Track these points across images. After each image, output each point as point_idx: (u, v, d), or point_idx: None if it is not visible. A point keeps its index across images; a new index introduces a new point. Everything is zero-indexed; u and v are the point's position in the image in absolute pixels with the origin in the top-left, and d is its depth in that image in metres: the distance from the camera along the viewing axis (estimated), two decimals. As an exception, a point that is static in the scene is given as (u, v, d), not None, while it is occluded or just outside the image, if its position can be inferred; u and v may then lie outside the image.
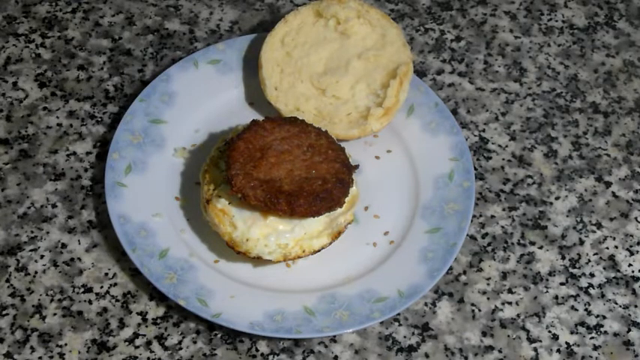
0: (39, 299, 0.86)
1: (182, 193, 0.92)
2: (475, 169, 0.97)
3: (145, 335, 0.84)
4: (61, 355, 0.83)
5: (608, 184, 0.98)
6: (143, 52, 1.04)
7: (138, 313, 0.86)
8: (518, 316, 0.88)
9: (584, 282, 0.90)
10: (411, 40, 1.08)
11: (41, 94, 1.00)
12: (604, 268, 0.92)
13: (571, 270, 0.91)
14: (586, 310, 0.89)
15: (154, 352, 0.83)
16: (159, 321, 0.85)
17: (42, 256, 0.88)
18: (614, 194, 0.97)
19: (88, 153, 0.96)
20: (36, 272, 0.87)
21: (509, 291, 0.89)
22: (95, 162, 0.95)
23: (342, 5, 0.98)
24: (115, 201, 0.89)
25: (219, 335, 0.85)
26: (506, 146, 1.00)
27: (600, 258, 0.92)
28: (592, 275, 0.91)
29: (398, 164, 0.96)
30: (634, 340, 0.87)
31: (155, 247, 0.87)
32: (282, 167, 0.85)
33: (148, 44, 1.05)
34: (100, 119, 0.98)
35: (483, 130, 1.01)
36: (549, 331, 0.87)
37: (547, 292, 0.89)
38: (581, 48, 1.09)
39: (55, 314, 0.85)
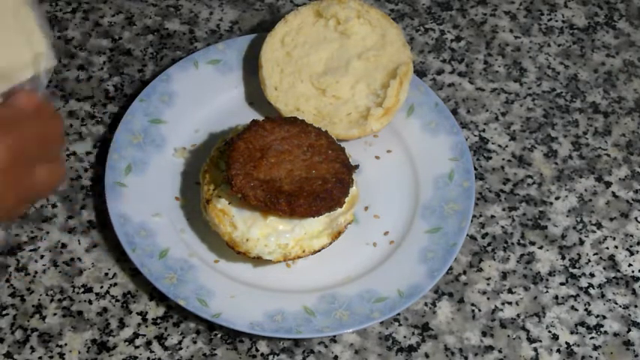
0: (39, 299, 0.86)
1: (182, 193, 0.92)
2: (475, 169, 0.97)
3: (145, 335, 0.84)
4: (61, 355, 0.83)
5: (608, 184, 0.98)
6: (143, 52, 1.04)
7: (138, 313, 0.86)
8: (518, 316, 0.88)
9: (584, 282, 0.90)
10: (411, 40, 1.08)
11: (41, 94, 1.00)
12: (604, 268, 0.92)
13: (571, 270, 0.91)
14: (586, 310, 0.89)
15: (154, 352, 0.83)
16: (159, 321, 0.85)
17: (42, 256, 0.88)
18: (614, 194, 0.97)
19: (88, 153, 0.96)
20: (36, 272, 0.88)
21: (509, 291, 0.89)
22: (95, 162, 0.95)
23: (342, 5, 0.98)
24: (115, 201, 0.89)
25: (219, 335, 0.85)
26: (506, 146, 1.00)
27: (600, 258, 0.92)
28: (592, 275, 0.91)
29: (398, 164, 0.96)
30: (634, 340, 0.87)
31: (155, 247, 0.87)
32: (282, 167, 0.85)
33: (148, 44, 1.05)
34: (100, 119, 0.98)
35: (483, 130, 1.01)
36: (549, 331, 0.87)
37: (547, 292, 0.89)
38: (581, 48, 1.09)
39: (55, 314, 0.85)
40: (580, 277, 0.91)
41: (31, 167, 0.65)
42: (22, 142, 0.64)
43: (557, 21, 1.12)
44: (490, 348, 0.86)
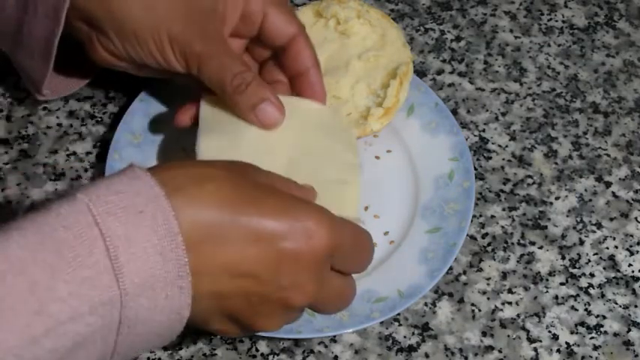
0: (39, 299, 0.86)
1: (182, 193, 0.92)
2: (475, 169, 0.97)
3: (145, 335, 0.84)
4: (61, 355, 0.83)
5: (608, 184, 0.98)
6: (143, 52, 1.04)
7: (138, 313, 0.86)
8: (518, 316, 0.88)
9: (584, 282, 0.90)
10: (411, 40, 1.08)
11: (41, 94, 1.00)
12: (604, 268, 0.92)
13: (571, 270, 0.91)
14: (586, 310, 0.89)
15: (153, 352, 0.83)
16: (159, 321, 0.85)
17: (42, 256, 0.88)
18: (614, 194, 0.97)
19: (88, 153, 0.96)
20: (36, 272, 0.87)
21: (509, 291, 0.89)
22: (95, 162, 0.95)
23: (342, 5, 0.98)
24: (115, 201, 0.88)
25: (219, 335, 0.85)
26: (506, 146, 1.00)
27: (600, 258, 0.92)
28: (592, 275, 0.91)
29: (398, 164, 0.96)
30: (634, 340, 0.87)
31: (155, 247, 0.87)
32: (282, 167, 0.85)
33: (148, 44, 1.05)
34: (100, 119, 0.98)
35: (483, 130, 1.01)
36: (549, 331, 0.87)
37: (547, 292, 0.89)
38: (581, 48, 1.09)
39: (55, 314, 0.85)
40: (580, 277, 0.91)
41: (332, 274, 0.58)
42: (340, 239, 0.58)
43: (557, 21, 1.12)
44: (490, 348, 0.86)
